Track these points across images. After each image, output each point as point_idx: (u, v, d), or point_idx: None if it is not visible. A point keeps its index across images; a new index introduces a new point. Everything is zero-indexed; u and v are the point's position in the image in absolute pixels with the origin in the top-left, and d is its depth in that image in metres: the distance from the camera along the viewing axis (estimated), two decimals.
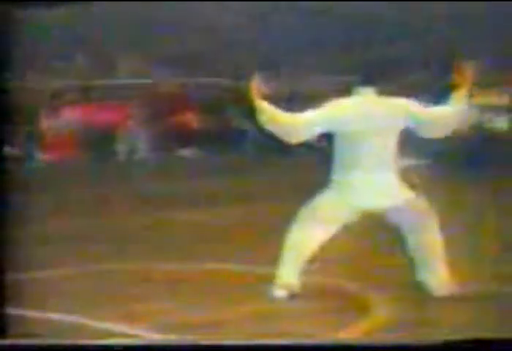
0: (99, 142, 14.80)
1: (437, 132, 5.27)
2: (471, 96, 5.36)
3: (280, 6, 15.35)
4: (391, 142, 5.11)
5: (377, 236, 6.23)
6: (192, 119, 15.65)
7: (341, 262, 5.79)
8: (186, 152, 15.27)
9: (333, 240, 5.13)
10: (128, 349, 3.96)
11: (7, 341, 3.97)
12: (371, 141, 5.05)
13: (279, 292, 5.10)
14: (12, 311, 4.24)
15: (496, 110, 13.29)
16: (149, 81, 15.71)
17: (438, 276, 5.13)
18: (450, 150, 12.22)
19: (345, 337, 4.32)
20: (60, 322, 4.60)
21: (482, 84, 13.36)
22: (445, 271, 5.14)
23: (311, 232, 5.07)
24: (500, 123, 13.21)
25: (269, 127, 5.11)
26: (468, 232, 6.94)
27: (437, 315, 4.83)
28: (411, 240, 5.16)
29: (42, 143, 14.36)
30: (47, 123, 14.60)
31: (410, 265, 5.21)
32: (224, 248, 6.50)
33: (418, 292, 5.12)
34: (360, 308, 4.83)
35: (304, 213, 5.13)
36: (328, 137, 5.23)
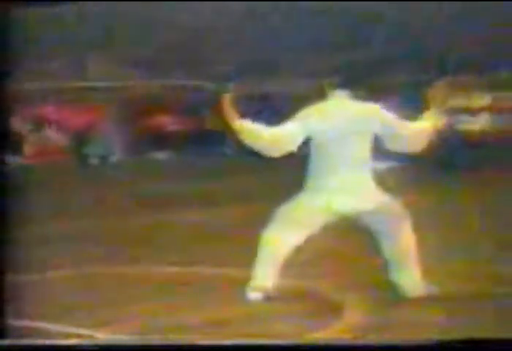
0: (72, 144, 14.75)
1: (402, 147, 5.28)
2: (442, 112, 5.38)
3: (262, 7, 15.35)
4: (366, 145, 5.13)
5: (351, 238, 6.24)
6: (167, 121, 15.62)
7: (315, 263, 5.80)
8: (161, 155, 15.24)
9: (307, 242, 5.14)
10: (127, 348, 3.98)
11: (7, 341, 3.97)
12: (345, 145, 5.06)
13: (254, 295, 5.11)
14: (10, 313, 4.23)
15: (471, 112, 13.37)
16: (124, 83, 15.66)
17: (411, 277, 5.16)
18: (424, 152, 12.28)
19: (324, 337, 4.34)
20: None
21: (460, 86, 13.49)
22: (418, 272, 5.17)
23: (285, 234, 5.08)
24: (475, 125, 13.30)
25: (250, 144, 5.11)
26: (444, 233, 6.99)
27: (410, 316, 4.85)
28: (385, 243, 5.18)
29: (14, 145, 14.27)
30: (19, 125, 14.52)
31: (384, 266, 5.23)
32: (200, 251, 6.50)
33: (392, 293, 5.14)
34: (334, 309, 4.85)
35: (279, 215, 5.14)
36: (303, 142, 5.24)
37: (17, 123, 14.48)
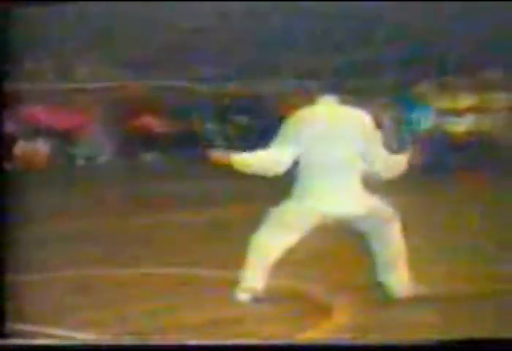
0: (61, 145, 14.73)
1: (373, 166, 5.30)
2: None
3: (257, 7, 15.35)
4: (353, 149, 5.16)
5: (341, 239, 6.27)
6: (155, 123, 15.62)
7: (305, 264, 5.83)
8: (148, 156, 15.24)
9: (297, 243, 5.16)
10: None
11: (7, 341, 3.98)
12: (333, 149, 5.10)
13: (242, 296, 5.13)
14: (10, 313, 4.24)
15: (457, 113, 13.44)
16: (112, 84, 15.64)
17: (400, 278, 5.20)
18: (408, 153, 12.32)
19: (313, 338, 4.37)
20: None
21: (444, 88, 13.55)
22: (406, 273, 5.21)
23: (275, 237, 5.10)
24: (461, 126, 13.36)
25: (249, 172, 5.18)
26: (441, 234, 7.04)
27: (401, 316, 4.88)
28: (374, 245, 5.22)
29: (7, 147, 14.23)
30: (8, 126, 14.48)
31: (373, 267, 5.27)
32: (192, 252, 6.52)
33: (382, 294, 5.18)
34: (324, 310, 4.87)
35: (270, 218, 5.17)
36: None
37: (10, 125, 14.44)
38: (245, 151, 5.20)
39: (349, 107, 5.26)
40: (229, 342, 4.14)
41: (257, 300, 5.09)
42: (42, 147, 14.77)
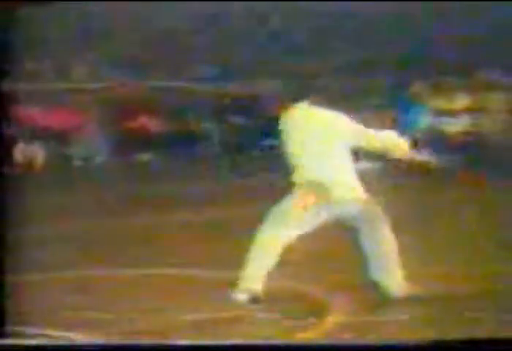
0: (58, 146, 14.72)
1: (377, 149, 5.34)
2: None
3: (255, 8, 15.34)
4: (345, 146, 5.19)
5: (338, 239, 6.29)
6: (152, 123, 15.61)
7: (301, 265, 5.85)
8: (146, 156, 15.23)
9: (294, 243, 5.18)
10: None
11: (7, 341, 3.98)
12: (328, 148, 5.13)
13: (241, 296, 5.13)
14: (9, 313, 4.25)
15: (453, 113, 13.47)
16: (109, 85, 15.63)
17: (394, 277, 5.21)
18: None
19: (310, 338, 4.39)
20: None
21: (440, 88, 13.57)
22: (400, 273, 5.23)
23: (278, 236, 5.12)
24: (457, 126, 13.39)
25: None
26: (428, 234, 7.05)
27: (398, 316, 4.90)
28: (367, 243, 5.23)
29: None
30: (5, 128, 14.44)
31: (367, 267, 5.28)
32: (191, 252, 6.53)
33: (377, 294, 5.20)
34: (321, 310, 4.89)
35: (270, 217, 5.18)
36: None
37: (7, 126, 14.41)
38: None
39: (322, 110, 5.29)
40: (228, 342, 4.15)
41: (255, 300, 5.10)
42: (39, 148, 14.76)
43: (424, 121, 13.37)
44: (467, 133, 13.12)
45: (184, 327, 4.67)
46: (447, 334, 4.21)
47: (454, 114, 13.27)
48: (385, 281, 5.21)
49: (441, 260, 6.14)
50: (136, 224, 8.17)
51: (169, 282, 5.66)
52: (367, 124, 5.26)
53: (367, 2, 14.80)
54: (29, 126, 14.50)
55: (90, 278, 5.80)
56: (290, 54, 15.69)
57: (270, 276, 5.16)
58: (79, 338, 4.42)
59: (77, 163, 14.77)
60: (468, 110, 13.37)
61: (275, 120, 5.30)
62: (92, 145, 14.91)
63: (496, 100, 13.34)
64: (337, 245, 6.36)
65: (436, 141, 12.76)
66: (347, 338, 4.39)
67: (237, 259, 5.17)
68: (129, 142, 15.03)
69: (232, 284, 5.17)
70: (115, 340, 4.33)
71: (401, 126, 12.89)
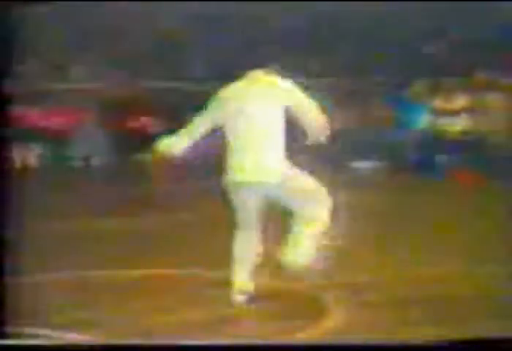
0: (56, 147, 14.71)
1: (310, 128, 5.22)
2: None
3: (239, 9, 15.36)
4: (277, 119, 5.13)
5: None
6: (149, 123, 15.61)
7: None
8: (144, 157, 15.21)
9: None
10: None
11: (7, 341, 3.99)
12: (256, 121, 5.10)
13: (238, 297, 5.16)
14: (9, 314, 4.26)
15: (452, 113, 13.46)
16: (106, 85, 15.62)
17: (300, 249, 5.12)
18: (404, 152, 12.39)
19: (308, 337, 4.39)
20: None
21: (439, 88, 13.57)
22: (311, 248, 5.12)
23: (243, 235, 5.19)
24: (456, 126, 13.39)
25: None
26: (426, 234, 7.05)
27: (396, 316, 4.91)
28: (294, 218, 5.15)
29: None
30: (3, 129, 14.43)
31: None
32: (191, 252, 6.55)
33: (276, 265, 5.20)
34: (316, 310, 4.90)
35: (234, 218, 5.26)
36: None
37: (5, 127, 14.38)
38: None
39: (275, 77, 5.27)
40: (227, 342, 4.16)
41: (252, 300, 5.12)
42: (38, 148, 14.76)
43: (424, 120, 13.37)
44: (466, 133, 13.12)
45: (184, 327, 4.68)
46: (447, 334, 4.21)
47: (454, 114, 13.27)
48: (289, 255, 5.14)
49: (440, 260, 6.15)
50: (136, 224, 8.18)
51: (169, 282, 5.67)
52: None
53: (367, 2, 14.84)
54: (28, 126, 14.50)
55: (89, 278, 5.81)
56: (290, 54, 15.73)
57: (271, 275, 5.18)
58: (79, 338, 4.42)
59: (76, 163, 14.76)
60: (468, 110, 13.38)
61: None
62: (92, 145, 14.90)
63: (496, 100, 13.36)
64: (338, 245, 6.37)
65: (436, 141, 12.77)
66: (347, 338, 4.40)
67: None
68: (129, 142, 15.03)
69: (232, 284, 5.19)
70: (115, 340, 4.34)
71: (401, 126, 12.91)
